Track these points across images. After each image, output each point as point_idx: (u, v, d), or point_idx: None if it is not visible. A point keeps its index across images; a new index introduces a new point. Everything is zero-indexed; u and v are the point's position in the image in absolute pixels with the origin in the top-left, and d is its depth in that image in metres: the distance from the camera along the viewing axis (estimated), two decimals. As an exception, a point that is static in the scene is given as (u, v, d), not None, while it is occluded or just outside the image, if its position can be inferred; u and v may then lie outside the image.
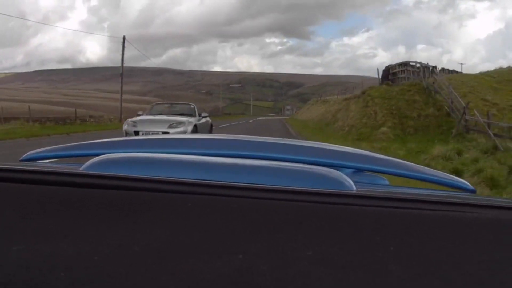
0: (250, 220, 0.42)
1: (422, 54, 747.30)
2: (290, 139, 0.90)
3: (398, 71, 22.85)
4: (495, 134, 10.34)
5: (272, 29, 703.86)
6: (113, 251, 0.37)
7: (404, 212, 0.46)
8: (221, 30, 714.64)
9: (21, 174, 0.52)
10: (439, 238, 0.41)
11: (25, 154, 0.82)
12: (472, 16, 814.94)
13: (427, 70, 22.14)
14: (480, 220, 0.46)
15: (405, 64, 23.01)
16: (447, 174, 0.80)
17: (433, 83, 17.78)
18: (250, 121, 42.54)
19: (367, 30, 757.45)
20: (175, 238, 0.39)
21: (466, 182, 0.78)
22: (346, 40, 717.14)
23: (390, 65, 24.22)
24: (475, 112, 11.88)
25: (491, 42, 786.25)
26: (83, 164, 0.57)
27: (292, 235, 0.40)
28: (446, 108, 15.39)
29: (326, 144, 0.87)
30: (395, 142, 12.91)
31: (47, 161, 0.82)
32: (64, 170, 0.55)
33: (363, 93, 20.33)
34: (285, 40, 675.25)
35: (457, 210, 0.49)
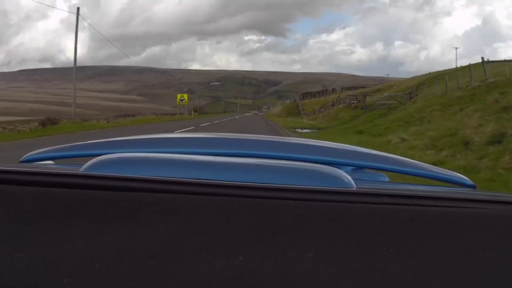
0: (249, 219, 0.43)
1: (400, 51, 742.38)
2: (288, 137, 0.94)
3: (297, 97, 67.46)
4: (303, 114, 45.08)
5: (249, 27, 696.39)
6: (115, 254, 0.37)
7: (405, 209, 0.48)
8: (199, 28, 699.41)
9: (20, 176, 0.53)
10: (440, 234, 0.42)
11: (25, 155, 0.83)
12: (449, 13, 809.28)
13: (322, 92, 63.19)
14: (481, 216, 0.47)
15: (305, 93, 72.33)
16: (447, 170, 0.82)
17: (300, 102, 56.94)
18: (245, 115, 73.73)
19: (344, 27, 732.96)
20: (175, 240, 0.40)
21: (466, 178, 0.80)
22: (323, 37, 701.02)
23: (297, 96, 71.57)
24: (302, 108, 50.04)
25: (468, 39, 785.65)
26: (83, 165, 0.58)
27: (292, 234, 0.41)
28: (299, 109, 50.29)
29: (325, 141, 0.89)
30: (285, 118, 43.21)
31: (47, 162, 0.83)
32: (64, 172, 0.56)
33: (283, 104, 71.63)
34: (262, 37, 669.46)
35: (457, 205, 0.50)
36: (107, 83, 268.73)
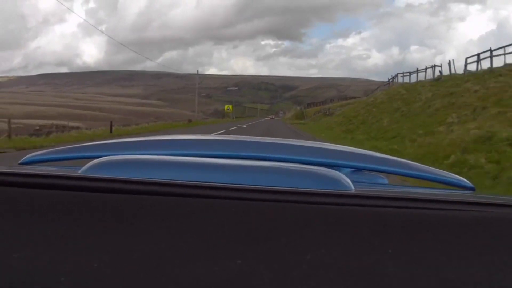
0: (246, 222, 0.44)
1: (416, 55, 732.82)
2: (287, 139, 0.94)
3: (302, 107, 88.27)
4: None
5: (266, 32, 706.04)
6: (112, 256, 0.38)
7: (404, 211, 0.48)
8: (215, 33, 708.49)
9: (19, 178, 0.53)
10: (439, 237, 0.43)
11: (24, 158, 0.84)
12: (464, 18, 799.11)
13: (322, 102, 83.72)
14: (480, 219, 0.48)
15: (309, 103, 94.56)
16: (447, 172, 0.83)
17: (304, 110, 73.04)
18: (265, 119, 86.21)
19: (360, 32, 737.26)
20: (174, 243, 0.40)
21: (465, 180, 0.80)
22: (340, 41, 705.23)
23: (302, 106, 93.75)
24: (306, 114, 61.61)
25: (483, 43, 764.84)
26: (82, 167, 0.59)
27: (290, 237, 0.42)
28: (304, 115, 62.19)
29: (324, 143, 0.91)
30: (293, 120, 58.32)
31: (46, 164, 0.84)
32: (63, 174, 0.56)
33: (295, 110, 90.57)
34: (279, 42, 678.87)
35: (456, 208, 0.51)
36: (126, 88, 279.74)
